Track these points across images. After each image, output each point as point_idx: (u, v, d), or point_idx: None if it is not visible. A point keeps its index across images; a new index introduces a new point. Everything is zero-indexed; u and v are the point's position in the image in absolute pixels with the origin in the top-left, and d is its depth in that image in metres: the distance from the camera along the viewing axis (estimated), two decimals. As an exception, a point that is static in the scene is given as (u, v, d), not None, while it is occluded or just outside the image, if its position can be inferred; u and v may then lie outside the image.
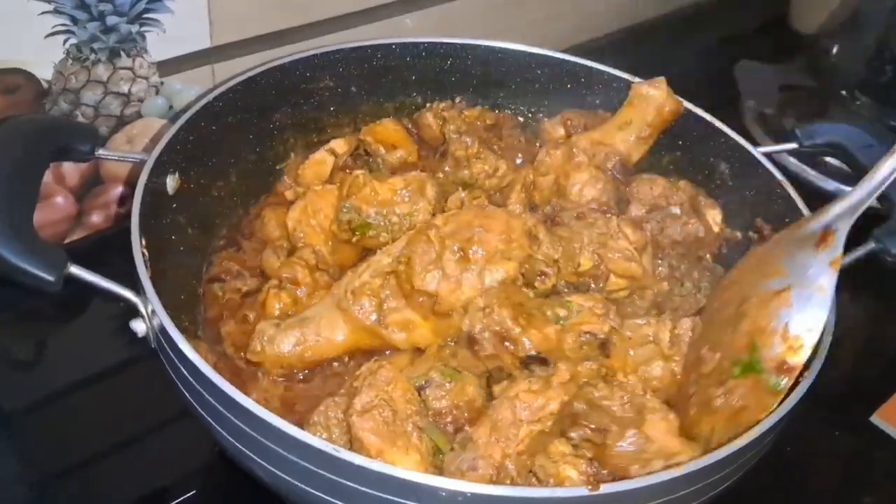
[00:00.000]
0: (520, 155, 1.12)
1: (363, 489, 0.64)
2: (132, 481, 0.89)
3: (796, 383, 0.75)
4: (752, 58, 1.49)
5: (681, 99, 1.06)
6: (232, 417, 0.67)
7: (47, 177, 1.05)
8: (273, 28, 1.16)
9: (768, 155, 1.01)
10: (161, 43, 1.07)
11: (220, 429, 0.70)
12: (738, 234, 1.02)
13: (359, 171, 0.96)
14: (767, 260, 0.84)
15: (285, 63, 1.02)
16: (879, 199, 0.93)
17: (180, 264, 0.90)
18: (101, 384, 0.97)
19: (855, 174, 0.97)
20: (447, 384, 0.78)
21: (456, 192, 0.96)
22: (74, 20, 0.99)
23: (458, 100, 1.14)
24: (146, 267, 0.74)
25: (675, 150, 1.09)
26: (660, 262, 0.97)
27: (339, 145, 1.04)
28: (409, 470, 0.62)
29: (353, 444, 0.72)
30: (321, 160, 1.03)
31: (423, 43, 1.11)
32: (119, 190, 1.13)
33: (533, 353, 0.80)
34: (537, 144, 1.11)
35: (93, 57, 1.03)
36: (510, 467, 0.73)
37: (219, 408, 0.68)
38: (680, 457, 0.72)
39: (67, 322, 1.07)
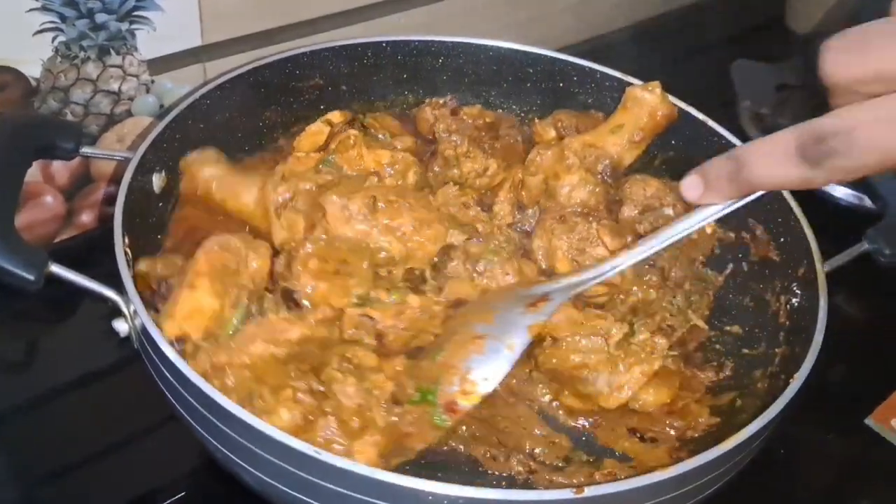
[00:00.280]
0: (515, 154, 1.11)
1: (347, 492, 0.64)
2: (122, 483, 0.88)
3: (786, 385, 0.74)
4: (748, 57, 1.48)
5: (675, 101, 1.05)
6: (213, 419, 0.66)
7: (36, 176, 1.05)
8: (265, 26, 1.16)
9: (762, 155, 1.00)
10: (151, 41, 1.06)
11: (200, 430, 0.69)
12: (731, 235, 1.01)
13: (352, 131, 0.96)
14: (488, 304, 0.86)
15: (274, 61, 1.02)
16: (872, 198, 0.93)
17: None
18: (92, 385, 0.97)
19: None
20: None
21: (444, 187, 0.95)
22: (63, 17, 0.98)
23: (449, 98, 1.13)
24: (129, 266, 0.73)
25: (667, 149, 1.08)
26: (649, 266, 0.96)
27: (336, 116, 1.04)
28: (394, 473, 0.61)
29: None
30: (318, 130, 1.02)
31: (415, 41, 1.11)
32: (109, 189, 1.12)
33: (296, 294, 0.82)
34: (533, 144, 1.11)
35: (82, 55, 1.02)
36: (229, 381, 0.73)
37: (200, 409, 0.67)
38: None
39: (58, 323, 1.06)
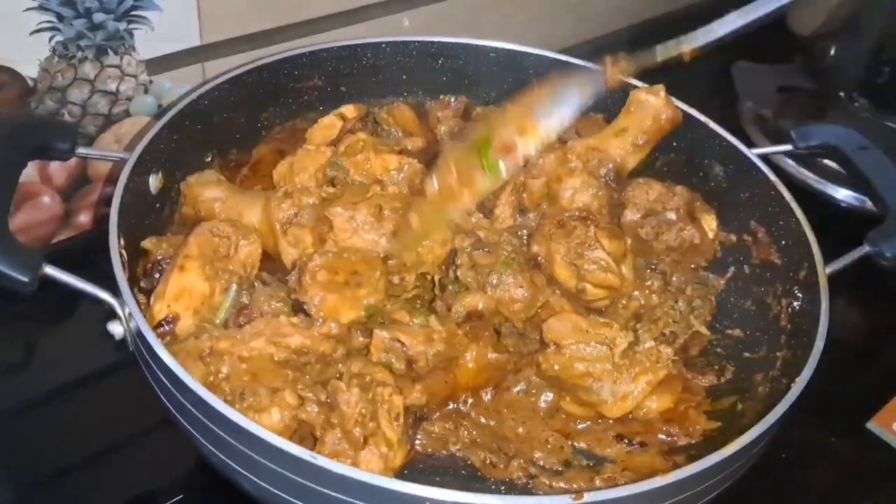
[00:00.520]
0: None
1: (344, 497, 0.63)
2: (120, 486, 0.88)
3: (787, 389, 0.74)
4: (750, 59, 1.47)
5: (680, 105, 1.04)
6: (208, 423, 0.66)
7: (34, 176, 1.05)
8: (265, 26, 1.15)
9: (763, 157, 1.00)
10: (150, 41, 1.05)
11: (195, 433, 0.69)
12: (733, 238, 1.01)
13: (361, 135, 0.96)
14: None
15: (272, 62, 1.01)
16: (873, 200, 0.93)
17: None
18: (90, 387, 0.96)
19: (849, 176, 0.96)
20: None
21: None
22: (60, 17, 0.97)
23: (453, 100, 1.12)
24: (124, 268, 0.73)
25: (669, 151, 1.07)
26: (651, 271, 0.96)
27: (350, 110, 1.04)
28: (386, 477, 0.61)
29: None
30: (330, 124, 1.03)
31: (414, 42, 1.10)
32: (106, 189, 1.12)
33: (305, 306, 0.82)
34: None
35: (79, 55, 1.01)
36: (224, 369, 0.74)
37: (195, 412, 0.66)
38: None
39: (57, 325, 1.06)
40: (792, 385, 0.74)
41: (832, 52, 1.33)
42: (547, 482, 0.81)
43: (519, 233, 0.97)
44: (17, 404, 0.94)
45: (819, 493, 0.97)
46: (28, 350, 1.04)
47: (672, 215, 0.99)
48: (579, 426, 0.86)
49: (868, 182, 0.93)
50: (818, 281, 0.85)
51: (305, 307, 0.81)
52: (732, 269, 1.00)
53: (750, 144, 1.02)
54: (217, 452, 0.68)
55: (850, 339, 1.13)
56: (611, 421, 0.85)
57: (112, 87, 1.06)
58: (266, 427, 0.64)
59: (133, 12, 1.02)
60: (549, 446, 0.84)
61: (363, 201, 0.88)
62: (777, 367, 0.86)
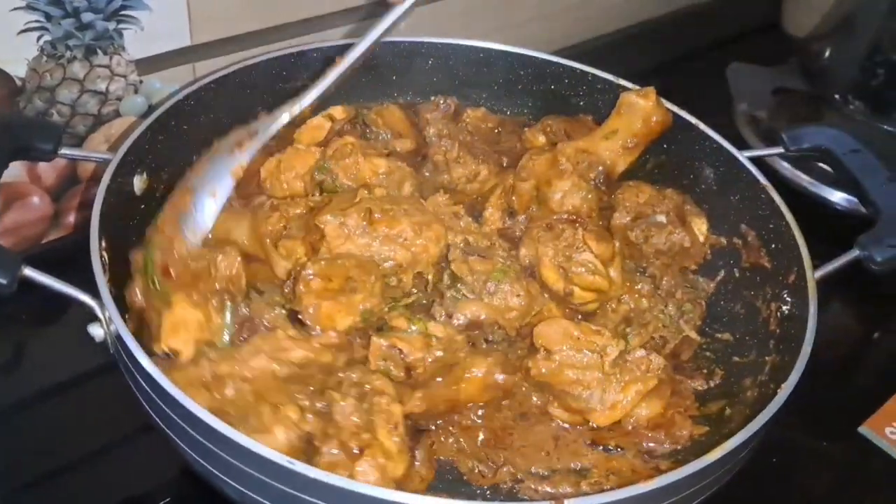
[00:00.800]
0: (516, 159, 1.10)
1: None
2: (107, 489, 0.87)
3: (774, 394, 0.73)
4: (745, 60, 1.47)
5: (670, 107, 1.04)
6: (188, 429, 0.65)
7: (23, 176, 1.04)
8: (256, 27, 1.14)
9: (755, 159, 1.00)
10: (140, 40, 1.05)
11: (175, 438, 0.68)
12: (723, 241, 1.00)
13: (350, 138, 0.95)
14: (207, 156, 0.89)
15: (260, 62, 1.01)
16: (864, 204, 0.92)
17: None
18: (78, 390, 0.96)
19: (840, 179, 0.95)
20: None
21: (434, 196, 0.94)
22: (48, 17, 0.97)
23: (442, 101, 1.11)
24: (105, 270, 0.72)
25: (659, 154, 1.07)
26: (641, 274, 0.95)
27: (338, 112, 1.04)
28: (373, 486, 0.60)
29: None
30: (318, 125, 1.02)
31: (404, 42, 1.10)
32: (91, 190, 1.11)
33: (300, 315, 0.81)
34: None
35: (68, 54, 1.01)
36: (229, 391, 0.73)
37: (173, 416, 0.66)
38: None
39: (44, 327, 1.05)
40: (778, 391, 0.73)
41: (827, 53, 1.33)
42: (533, 486, 0.80)
43: (508, 235, 0.97)
44: (4, 406, 0.93)
45: (810, 497, 0.97)
46: (16, 352, 1.03)
47: (662, 218, 0.98)
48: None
49: (859, 185, 0.92)
50: (807, 285, 0.84)
51: (301, 317, 0.81)
52: (722, 272, 0.99)
53: (744, 146, 1.02)
54: (198, 458, 0.68)
55: (842, 341, 1.13)
56: (592, 425, 0.84)
57: (101, 87, 1.06)
58: (273, 448, 0.63)
59: (122, 12, 1.02)
60: (534, 451, 0.83)
61: (352, 206, 0.87)
62: (765, 372, 0.85)
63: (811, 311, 0.81)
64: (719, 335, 0.95)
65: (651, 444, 0.83)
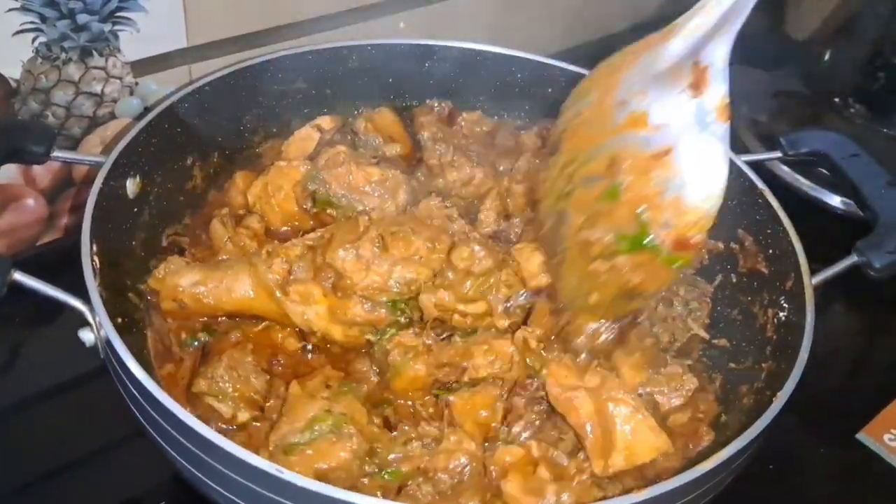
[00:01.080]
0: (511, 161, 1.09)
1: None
2: (102, 492, 0.87)
3: (769, 402, 0.73)
4: (745, 64, 1.46)
5: None
6: (174, 433, 0.65)
7: (17, 179, 1.04)
8: (253, 28, 1.14)
9: (753, 163, 0.99)
10: (135, 42, 1.04)
11: (163, 443, 0.68)
12: (721, 245, 0.99)
13: (341, 147, 0.94)
14: (625, 95, 0.68)
15: (255, 64, 1.00)
16: (862, 209, 0.91)
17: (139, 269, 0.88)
18: (72, 393, 0.95)
19: (839, 184, 0.94)
20: None
21: (426, 200, 0.93)
22: (43, 18, 0.96)
23: (437, 104, 1.11)
24: (96, 275, 0.72)
25: (658, 157, 1.06)
26: None
27: (326, 122, 1.03)
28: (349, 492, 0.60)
29: None
30: (306, 136, 1.02)
31: (400, 44, 1.09)
32: (84, 193, 1.11)
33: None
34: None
35: (63, 56, 1.00)
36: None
37: (161, 422, 0.66)
38: None
39: (38, 329, 1.04)
40: (774, 399, 0.73)
41: (827, 57, 1.32)
42: None
43: (503, 237, 0.96)
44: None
45: (808, 503, 0.96)
46: (10, 354, 1.03)
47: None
48: None
49: (857, 190, 0.92)
50: (804, 292, 0.83)
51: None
52: (720, 277, 0.99)
53: (743, 150, 1.01)
54: (186, 465, 0.68)
55: (841, 347, 1.12)
56: None
57: (97, 88, 1.05)
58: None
59: (118, 14, 1.01)
60: None
61: (362, 236, 0.85)
62: (762, 379, 0.85)
63: (808, 318, 0.81)
64: (716, 341, 0.94)
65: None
